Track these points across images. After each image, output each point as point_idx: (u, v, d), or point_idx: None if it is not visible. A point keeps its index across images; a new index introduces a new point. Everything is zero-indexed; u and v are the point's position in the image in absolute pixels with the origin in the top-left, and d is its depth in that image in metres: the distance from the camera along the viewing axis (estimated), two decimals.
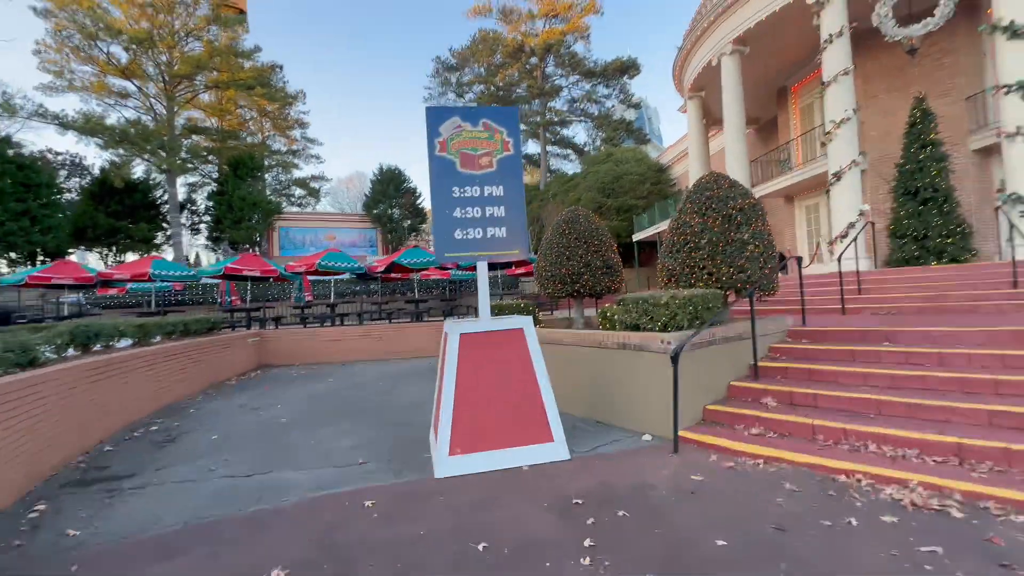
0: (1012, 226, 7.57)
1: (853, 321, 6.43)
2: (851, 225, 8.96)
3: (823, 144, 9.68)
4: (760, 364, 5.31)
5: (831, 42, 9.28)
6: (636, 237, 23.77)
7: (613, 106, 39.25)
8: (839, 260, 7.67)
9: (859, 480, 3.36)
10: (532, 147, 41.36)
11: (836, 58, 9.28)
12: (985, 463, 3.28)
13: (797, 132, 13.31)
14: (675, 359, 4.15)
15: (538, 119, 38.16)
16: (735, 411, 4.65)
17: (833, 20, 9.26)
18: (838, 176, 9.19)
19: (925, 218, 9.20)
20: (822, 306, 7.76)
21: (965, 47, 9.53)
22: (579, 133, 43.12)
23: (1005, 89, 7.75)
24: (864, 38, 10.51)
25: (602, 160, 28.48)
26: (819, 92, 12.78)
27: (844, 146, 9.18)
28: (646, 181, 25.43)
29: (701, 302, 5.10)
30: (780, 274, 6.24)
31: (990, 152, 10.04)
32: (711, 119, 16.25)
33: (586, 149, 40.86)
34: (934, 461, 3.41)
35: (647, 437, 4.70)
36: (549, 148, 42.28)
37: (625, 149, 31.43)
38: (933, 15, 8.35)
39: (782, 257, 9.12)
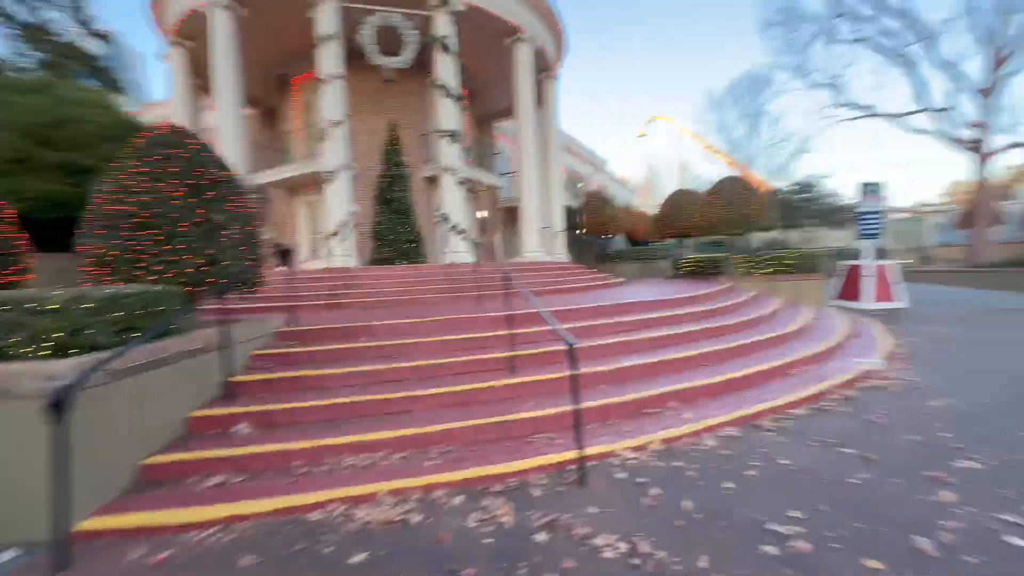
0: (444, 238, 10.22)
1: (342, 317, 6.48)
2: (343, 224, 9.40)
3: (320, 141, 9.80)
4: (237, 379, 4.22)
5: (325, 42, 9.40)
6: None
7: (65, 28, 27.35)
8: (331, 257, 7.85)
9: (333, 511, 2.88)
10: None
11: (330, 60, 9.51)
12: (434, 449, 3.56)
13: (299, 125, 13.37)
14: (59, 406, 2.37)
15: None
16: (192, 456, 3.33)
17: (328, 21, 9.42)
18: (332, 176, 9.45)
19: (396, 226, 10.95)
20: (315, 302, 7.59)
21: (421, 91, 12.17)
22: None
23: (440, 134, 10.29)
24: (358, 55, 11.58)
25: (34, 89, 19.00)
26: (316, 90, 13.11)
27: (338, 147, 9.53)
28: (113, 139, 18.90)
29: (140, 304, 3.44)
30: (284, 267, 5.34)
31: (434, 180, 13.40)
32: (207, 86, 13.74)
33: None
34: (400, 459, 3.42)
35: (8, 555, 2.60)
36: None
37: (80, 87, 22.42)
38: (399, 55, 9.95)
39: (286, 252, 8.42)
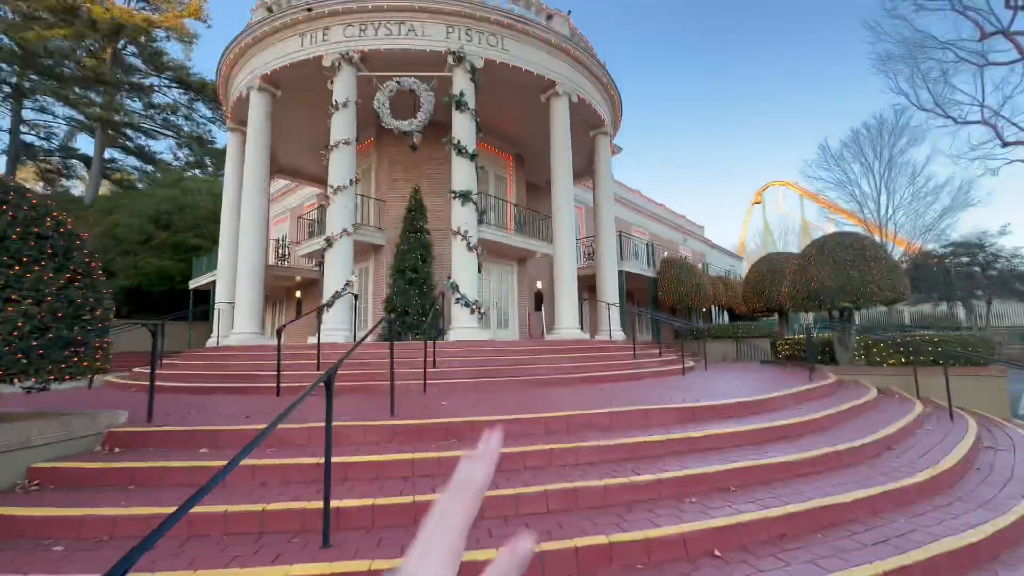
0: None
1: (219, 412, 5.17)
2: (337, 295, 8.50)
3: (327, 205, 9.30)
4: None
5: (337, 109, 9.21)
6: (193, 284, 19.20)
7: (211, 130, 33.65)
8: (323, 331, 6.85)
9: None
10: (85, 144, 30.34)
11: (342, 126, 9.26)
12: None
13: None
14: None
15: (98, 110, 28.31)
16: None
17: (341, 89, 9.27)
18: (330, 242, 8.77)
19: (410, 297, 9.84)
20: (260, 384, 6.46)
21: (448, 154, 11.48)
22: (166, 151, 35.04)
23: (452, 194, 9.23)
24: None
25: (169, 184, 22.81)
26: (363, 166, 13.20)
27: (340, 213, 8.93)
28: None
29: None
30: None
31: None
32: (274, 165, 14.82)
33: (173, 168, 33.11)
34: None
35: None
36: (119, 156, 32.12)
37: (200, 179, 26.59)
38: (417, 117, 9.35)
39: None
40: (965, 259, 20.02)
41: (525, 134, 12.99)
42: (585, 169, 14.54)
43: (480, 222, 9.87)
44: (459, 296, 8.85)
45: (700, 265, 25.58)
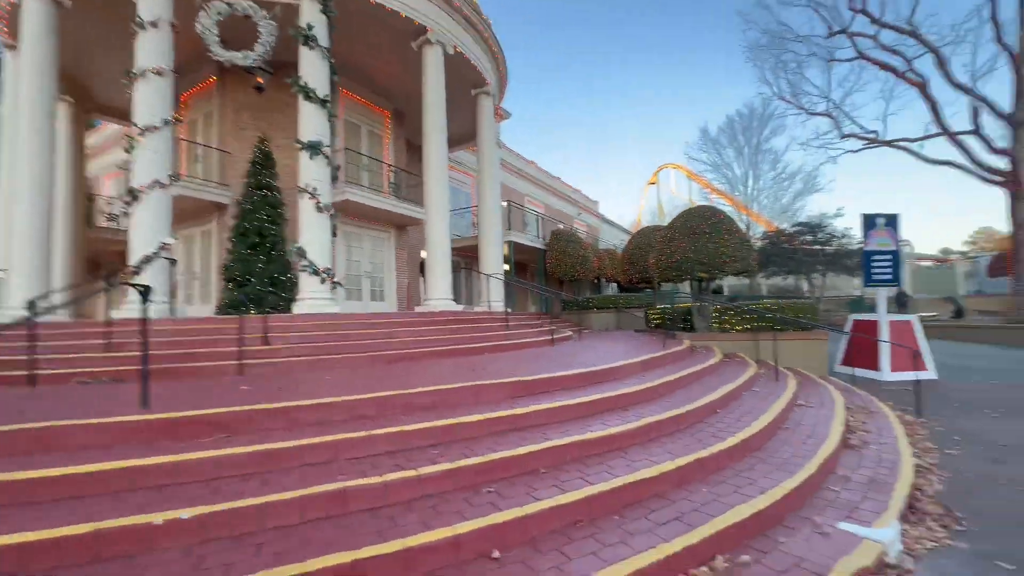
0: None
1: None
2: (148, 260, 6.95)
3: (132, 151, 7.42)
4: None
5: (144, 29, 7.40)
6: None
7: None
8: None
9: None
10: None
11: (152, 51, 7.47)
12: None
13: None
14: None
15: None
16: None
17: (149, 3, 7.41)
18: (135, 195, 7.11)
19: (252, 264, 8.48)
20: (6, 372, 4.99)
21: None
22: None
23: (299, 146, 7.98)
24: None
25: None
26: (204, 107, 11.14)
27: (149, 159, 7.26)
28: None
29: None
30: None
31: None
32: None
33: None
34: None
35: None
36: None
37: None
38: (254, 50, 7.83)
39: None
40: (809, 237, 22.91)
41: (405, 88, 11.83)
42: (472, 133, 13.77)
43: (336, 179, 8.71)
44: (306, 263, 7.75)
45: (594, 239, 26.42)
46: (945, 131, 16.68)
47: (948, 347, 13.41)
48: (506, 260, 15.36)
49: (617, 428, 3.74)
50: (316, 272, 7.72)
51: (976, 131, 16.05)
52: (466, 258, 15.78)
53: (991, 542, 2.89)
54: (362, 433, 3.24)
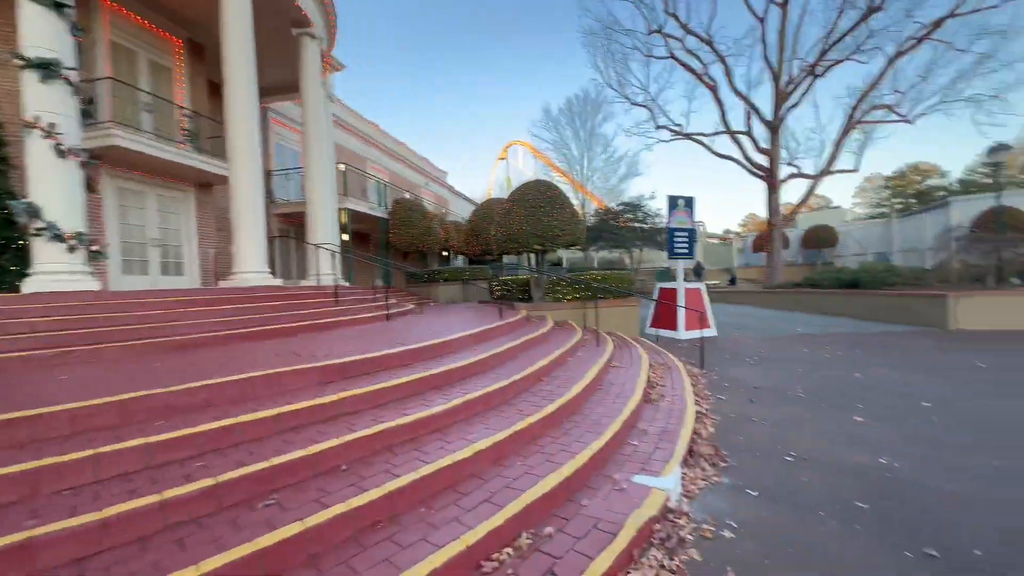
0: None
1: None
2: None
3: None
4: None
5: None
6: None
7: None
8: None
9: None
10: None
11: None
12: None
13: None
14: None
15: None
16: None
17: None
18: None
19: None
20: None
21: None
22: None
23: (22, 63, 5.80)
24: None
25: None
26: None
27: None
28: None
29: None
30: None
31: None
32: None
33: None
34: None
35: None
36: None
37: None
38: None
39: None
40: (630, 216, 26.05)
41: (207, 15, 9.53)
42: (297, 82, 11.91)
43: (90, 116, 6.64)
44: (43, 226, 5.77)
45: (443, 211, 25.96)
46: (728, 130, 20.25)
47: (725, 308, 16.57)
48: (344, 229, 14.01)
49: (438, 407, 3.51)
50: (60, 237, 5.81)
51: (748, 132, 19.82)
52: (297, 226, 13.98)
53: (743, 474, 3.44)
54: (86, 453, 2.40)
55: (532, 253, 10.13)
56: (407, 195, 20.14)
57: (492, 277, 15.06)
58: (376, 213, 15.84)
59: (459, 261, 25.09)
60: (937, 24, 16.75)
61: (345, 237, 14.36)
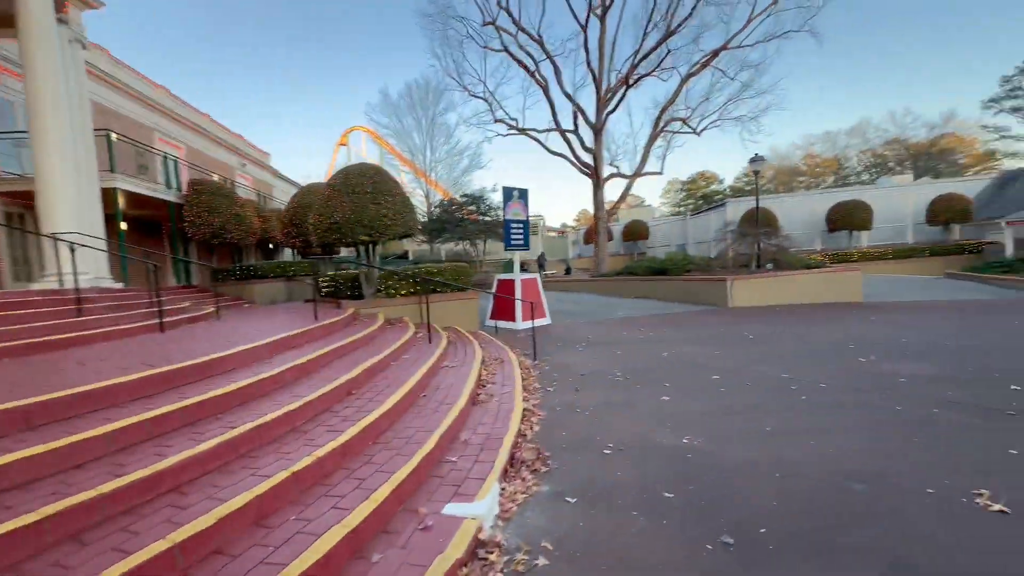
0: None
1: None
2: None
3: None
4: None
5: None
6: None
7: None
8: None
9: None
10: None
11: None
12: None
13: None
14: None
15: None
16: None
17: None
18: None
19: None
20: None
21: None
22: None
23: None
24: None
25: None
26: None
27: None
28: None
29: None
30: None
31: None
32: None
33: None
34: None
35: None
36: None
37: None
38: None
39: None
40: (473, 208, 26.17)
41: None
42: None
43: None
44: None
45: (265, 197, 22.53)
46: (558, 128, 21.57)
47: (561, 296, 17.63)
48: (116, 216, 10.89)
49: (181, 456, 2.54)
50: None
51: (576, 131, 21.42)
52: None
53: (563, 478, 3.25)
54: None
55: (359, 245, 9.10)
56: (215, 177, 16.84)
57: (319, 272, 13.40)
58: (164, 196, 12.76)
59: (288, 255, 22.17)
60: (715, 54, 20.15)
61: (123, 226, 11.28)
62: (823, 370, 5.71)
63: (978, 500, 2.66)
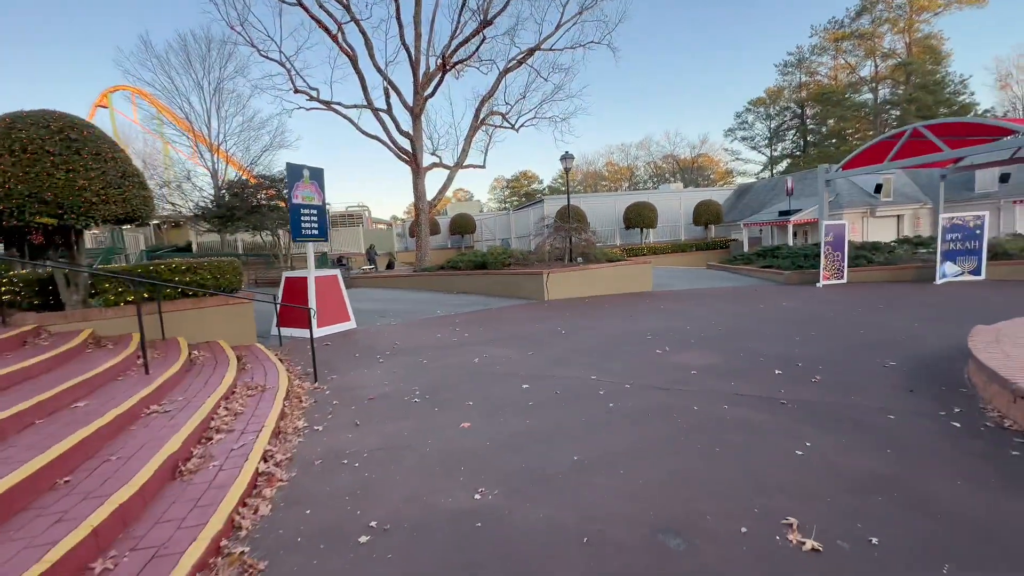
0: None
1: None
2: None
3: None
4: None
5: None
6: None
7: None
8: None
9: None
10: None
11: None
12: None
13: None
14: None
15: None
16: None
17: None
18: None
19: None
20: None
21: None
22: None
23: None
24: None
25: None
26: None
27: None
28: None
29: None
30: None
31: None
32: None
33: None
34: None
35: None
36: None
37: None
38: None
39: None
40: (273, 191, 22.18)
41: None
42: None
43: None
44: None
45: None
46: (370, 105, 19.56)
47: (376, 294, 15.91)
48: None
49: None
50: None
51: (389, 111, 19.69)
52: None
53: None
54: None
55: (35, 231, 6.09)
56: None
57: None
58: None
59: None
60: (530, 52, 20.66)
61: None
62: (628, 367, 5.54)
63: (790, 537, 2.28)
